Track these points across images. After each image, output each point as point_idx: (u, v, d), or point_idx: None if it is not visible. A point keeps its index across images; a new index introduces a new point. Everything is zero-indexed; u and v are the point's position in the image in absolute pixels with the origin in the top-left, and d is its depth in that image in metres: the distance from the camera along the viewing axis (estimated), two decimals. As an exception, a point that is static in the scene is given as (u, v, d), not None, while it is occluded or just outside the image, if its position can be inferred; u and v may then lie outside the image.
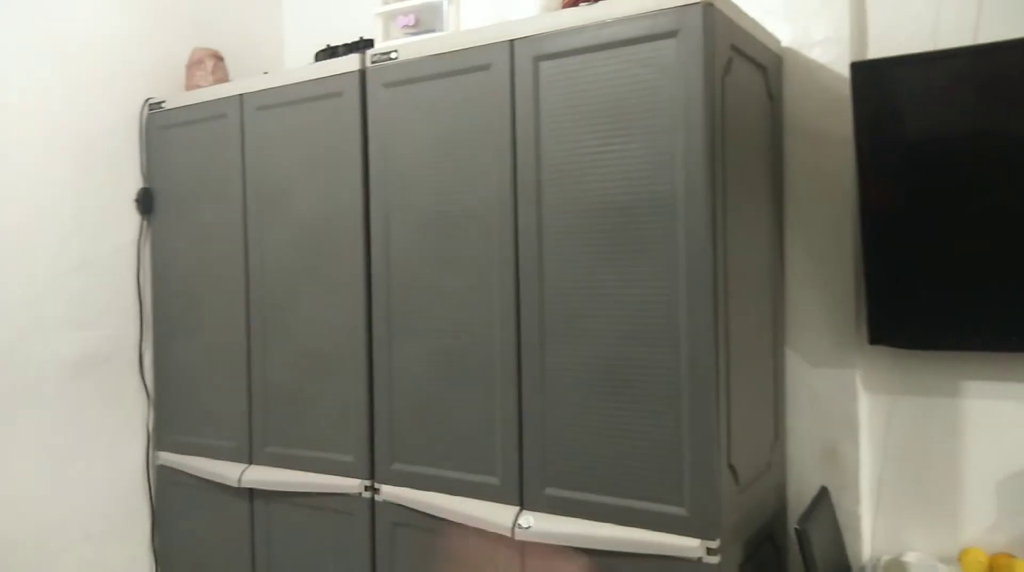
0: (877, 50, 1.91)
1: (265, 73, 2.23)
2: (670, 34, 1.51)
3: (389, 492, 1.92)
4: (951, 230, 1.72)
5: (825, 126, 1.92)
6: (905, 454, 1.90)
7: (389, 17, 1.95)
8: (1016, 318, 1.68)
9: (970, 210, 1.69)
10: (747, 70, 1.71)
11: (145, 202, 2.42)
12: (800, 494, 1.94)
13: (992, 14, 1.78)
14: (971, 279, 1.71)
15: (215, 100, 2.26)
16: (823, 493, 1.85)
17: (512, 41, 1.69)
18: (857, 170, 1.78)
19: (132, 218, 2.41)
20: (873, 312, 1.81)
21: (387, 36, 1.96)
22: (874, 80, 1.73)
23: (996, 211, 1.67)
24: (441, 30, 1.87)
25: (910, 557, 1.84)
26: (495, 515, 1.73)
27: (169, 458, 2.40)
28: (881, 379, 1.91)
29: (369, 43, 2.12)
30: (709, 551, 1.50)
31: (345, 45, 2.18)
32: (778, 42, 1.94)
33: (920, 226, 1.74)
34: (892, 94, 1.72)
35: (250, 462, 2.20)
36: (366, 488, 1.96)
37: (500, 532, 1.71)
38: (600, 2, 1.61)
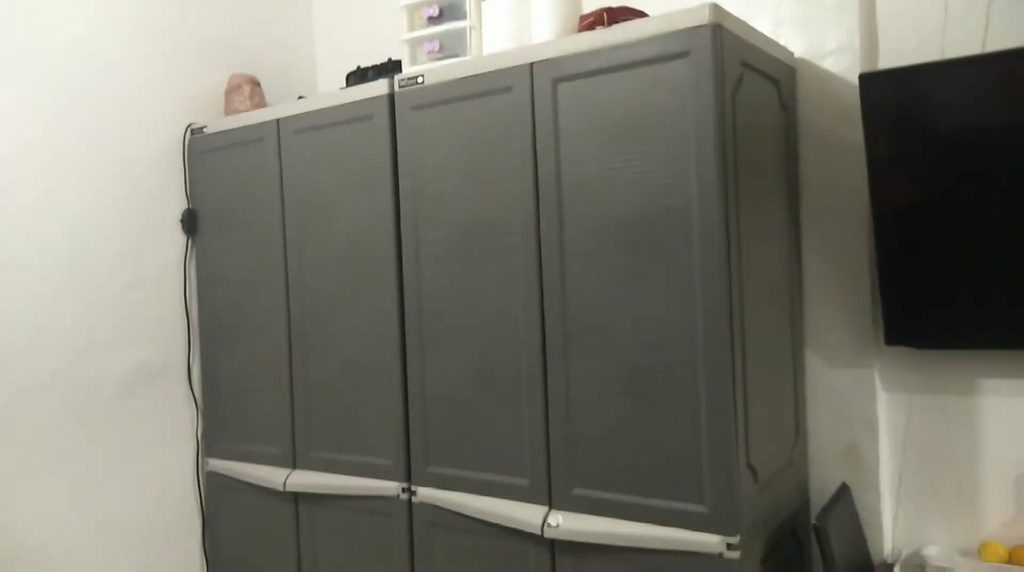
0: (888, 59, 1.97)
1: (300, 98, 2.35)
2: (681, 55, 1.59)
3: (425, 494, 2.02)
4: (963, 231, 1.76)
5: (839, 133, 1.98)
6: (924, 451, 1.95)
7: (415, 43, 2.04)
8: (1029, 316, 1.73)
9: (981, 212, 1.74)
10: (759, 83, 1.78)
11: (189, 222, 2.55)
12: (822, 491, 2.00)
13: (999, 23, 1.82)
14: (983, 279, 1.76)
15: (253, 125, 2.38)
16: (843, 490, 1.91)
17: (532, 64, 1.78)
18: (869, 175, 1.84)
19: (178, 238, 2.55)
20: (888, 313, 1.86)
21: (413, 61, 2.06)
22: (882, 89, 1.78)
23: (1006, 212, 1.71)
24: (465, 55, 1.95)
25: (930, 551, 1.89)
26: (525, 514, 1.82)
27: (218, 464, 2.53)
28: (899, 378, 1.96)
29: (397, 65, 2.23)
30: (729, 547, 1.57)
31: (374, 68, 2.29)
32: (791, 53, 2.00)
33: (932, 228, 1.79)
34: (899, 102, 1.78)
35: (294, 467, 2.32)
36: (403, 490, 2.06)
37: (530, 531, 1.80)
38: (614, 26, 1.69)
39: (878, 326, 1.93)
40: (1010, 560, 1.79)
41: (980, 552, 1.83)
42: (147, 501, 2.44)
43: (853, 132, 1.92)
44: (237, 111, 2.56)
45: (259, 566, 2.44)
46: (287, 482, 2.29)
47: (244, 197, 2.43)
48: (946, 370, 1.91)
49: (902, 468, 1.97)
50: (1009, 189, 1.70)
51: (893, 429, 1.97)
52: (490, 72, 1.85)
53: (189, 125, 2.57)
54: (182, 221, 2.55)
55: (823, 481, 2.01)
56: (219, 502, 2.55)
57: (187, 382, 2.55)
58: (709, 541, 1.59)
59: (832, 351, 2.00)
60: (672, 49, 1.59)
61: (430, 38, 2.02)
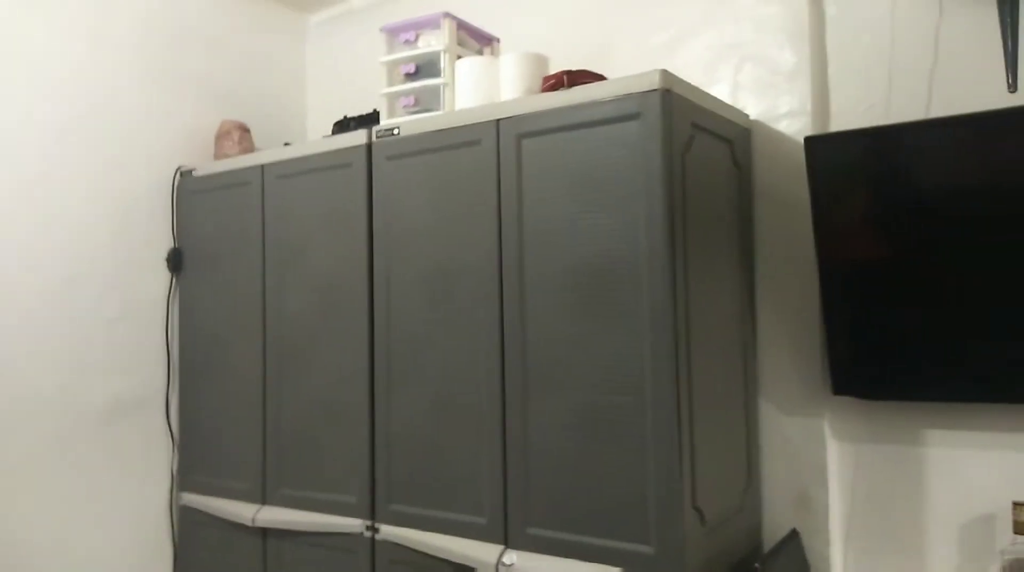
0: (839, 122, 2.08)
1: (286, 145, 2.46)
2: (633, 116, 1.70)
3: (388, 531, 2.07)
4: (904, 288, 1.85)
5: (792, 191, 2.08)
6: (873, 500, 2.01)
7: (393, 97, 2.16)
8: (970, 370, 1.80)
9: (922, 269, 1.83)
10: (710, 143, 1.89)
11: (175, 261, 2.65)
12: (775, 536, 2.05)
13: (942, 92, 1.94)
14: (924, 333, 1.84)
15: (240, 169, 2.49)
16: (792, 535, 1.96)
17: (498, 120, 1.89)
18: (814, 232, 1.93)
19: (163, 275, 2.64)
20: (834, 364, 1.94)
21: (391, 114, 2.17)
22: (826, 152, 1.89)
23: (945, 271, 1.80)
24: (438, 109, 2.07)
25: (879, 599, 1.94)
26: (481, 553, 1.87)
27: (191, 499, 2.58)
28: (847, 428, 2.03)
29: (374, 117, 2.34)
30: (673, 586, 1.63)
31: (356, 118, 2.41)
32: (746, 116, 2.12)
33: (875, 284, 1.88)
34: (843, 164, 1.88)
35: (263, 502, 2.37)
36: (367, 527, 2.11)
37: (485, 570, 1.85)
38: (575, 87, 1.80)
39: (827, 376, 2.01)
40: (953, 608, 1.84)
41: (925, 600, 1.88)
42: (122, 533, 2.48)
43: (805, 190, 2.02)
44: (226, 155, 2.67)
45: (226, 601, 2.47)
46: (256, 517, 2.34)
47: (228, 238, 2.52)
48: (892, 420, 1.98)
49: (851, 516, 2.03)
50: (948, 247, 1.80)
51: (843, 477, 2.03)
52: (460, 126, 1.96)
53: (179, 167, 2.67)
54: (168, 259, 2.65)
55: (776, 527, 2.07)
56: (191, 536, 2.59)
57: (164, 416, 2.62)
58: (653, 581, 1.64)
59: (784, 399, 2.08)
60: (625, 111, 1.70)
61: (407, 93, 2.14)
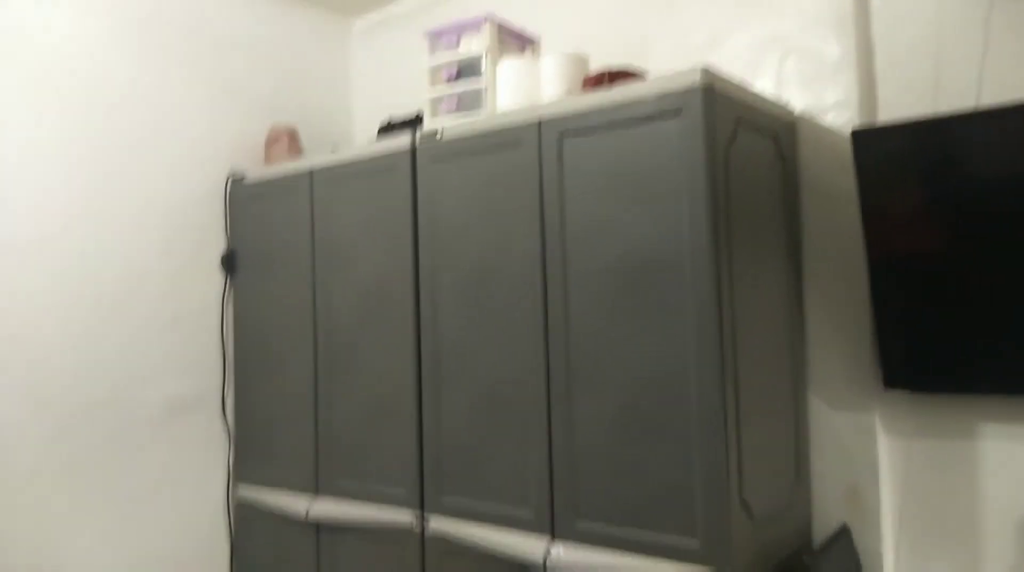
0: (887, 112, 2.05)
1: (332, 151, 2.51)
2: (675, 113, 1.70)
3: (437, 523, 2.11)
4: (956, 278, 1.82)
5: (839, 184, 2.06)
6: (925, 495, 1.98)
7: (436, 100, 2.20)
8: (1022, 362, 1.77)
9: (974, 259, 1.80)
10: (754, 139, 1.88)
11: (229, 263, 2.73)
12: (826, 532, 2.04)
13: (991, 81, 1.90)
14: (977, 324, 1.81)
15: (290, 174, 2.56)
16: (843, 531, 1.95)
17: (540, 121, 1.91)
18: (863, 224, 1.91)
19: (217, 278, 2.72)
20: (885, 357, 1.92)
21: (434, 116, 2.21)
22: (873, 144, 1.87)
23: (999, 260, 1.77)
24: (480, 111, 2.10)
25: (932, 595, 1.92)
26: (528, 546, 1.90)
27: (247, 494, 2.66)
28: (899, 422, 2.00)
29: (418, 120, 2.39)
30: (719, 580, 1.64)
31: (401, 122, 2.45)
32: (791, 110, 2.10)
33: (925, 275, 1.86)
34: (890, 156, 1.86)
35: (316, 494, 2.43)
36: (417, 517, 2.16)
37: (533, 560, 1.88)
38: (615, 86, 1.81)
39: (878, 370, 1.99)
40: (1009, 605, 1.81)
41: (980, 597, 1.85)
42: (180, 529, 2.58)
43: (852, 183, 2.00)
44: (276, 160, 2.74)
45: (283, 593, 2.55)
46: (310, 510, 2.41)
47: (279, 240, 2.59)
48: (945, 414, 1.95)
49: (903, 511, 2.01)
50: (1000, 239, 1.76)
51: (894, 472, 2.01)
52: (502, 128, 1.99)
53: (231, 172, 2.75)
54: (222, 261, 2.73)
55: (826, 522, 2.05)
56: (247, 530, 2.67)
57: (221, 414, 2.70)
58: (700, 574, 1.65)
59: (834, 395, 2.06)
60: (666, 108, 1.71)
61: (449, 96, 2.17)
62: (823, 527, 2.06)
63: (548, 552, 1.86)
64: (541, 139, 1.91)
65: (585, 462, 1.84)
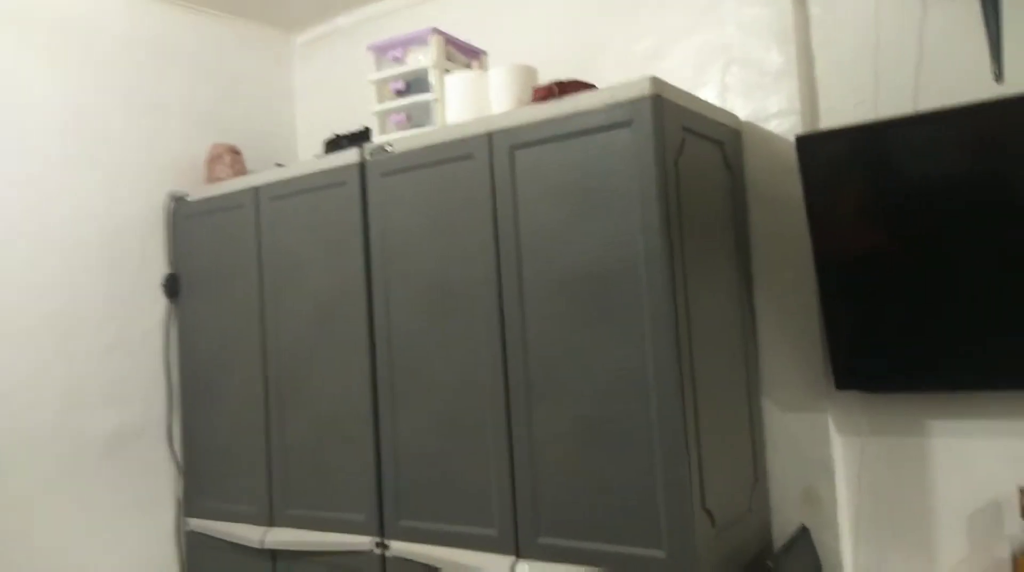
0: (829, 120, 2.09)
1: (278, 165, 2.47)
2: (625, 124, 1.71)
3: (398, 547, 2.07)
4: (901, 279, 1.87)
5: (785, 190, 2.09)
6: (879, 493, 2.02)
7: (384, 115, 2.17)
8: (971, 359, 1.81)
9: (917, 260, 1.84)
10: (702, 147, 1.90)
11: (171, 286, 2.64)
12: (785, 533, 2.05)
13: (929, 85, 1.95)
14: (923, 323, 1.85)
15: (233, 192, 2.49)
16: (802, 532, 1.97)
17: (491, 133, 1.90)
18: (810, 229, 1.94)
19: (159, 301, 2.64)
20: (836, 359, 1.95)
21: (383, 130, 2.18)
22: (817, 149, 1.91)
23: (942, 260, 1.82)
24: (429, 125, 2.08)
25: (891, 591, 1.95)
26: (493, 565, 1.87)
27: (198, 524, 2.57)
28: (851, 421, 2.04)
29: (366, 134, 2.35)
30: (687, 589, 1.63)
31: (348, 136, 2.41)
32: (736, 117, 2.13)
33: (872, 277, 1.89)
34: (834, 160, 1.90)
35: (271, 524, 2.36)
36: (377, 544, 2.11)
37: (499, 580, 1.85)
38: (565, 97, 1.81)
39: (829, 372, 2.02)
40: (965, 597, 1.84)
41: (937, 590, 1.89)
42: (130, 561, 2.47)
43: (797, 189, 2.03)
44: (219, 179, 2.67)
45: (239, 625, 2.46)
46: (264, 540, 2.33)
47: (224, 261, 2.52)
48: (896, 412, 1.99)
49: (859, 509, 2.04)
50: (943, 238, 1.81)
51: (849, 471, 2.04)
52: (452, 141, 1.97)
53: (172, 192, 2.67)
54: (164, 285, 2.64)
55: (785, 524, 2.07)
56: (200, 562, 2.58)
57: (168, 443, 2.61)
58: (667, 585, 1.65)
59: (787, 397, 2.09)
60: (616, 119, 1.71)
61: (398, 110, 2.14)
62: (782, 529, 2.08)
63: (513, 570, 1.83)
64: (492, 151, 1.90)
65: (547, 477, 1.82)
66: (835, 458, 2.03)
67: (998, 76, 1.83)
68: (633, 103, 1.69)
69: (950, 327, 1.83)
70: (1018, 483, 1.81)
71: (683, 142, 1.79)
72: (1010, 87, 1.79)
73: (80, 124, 2.47)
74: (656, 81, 1.69)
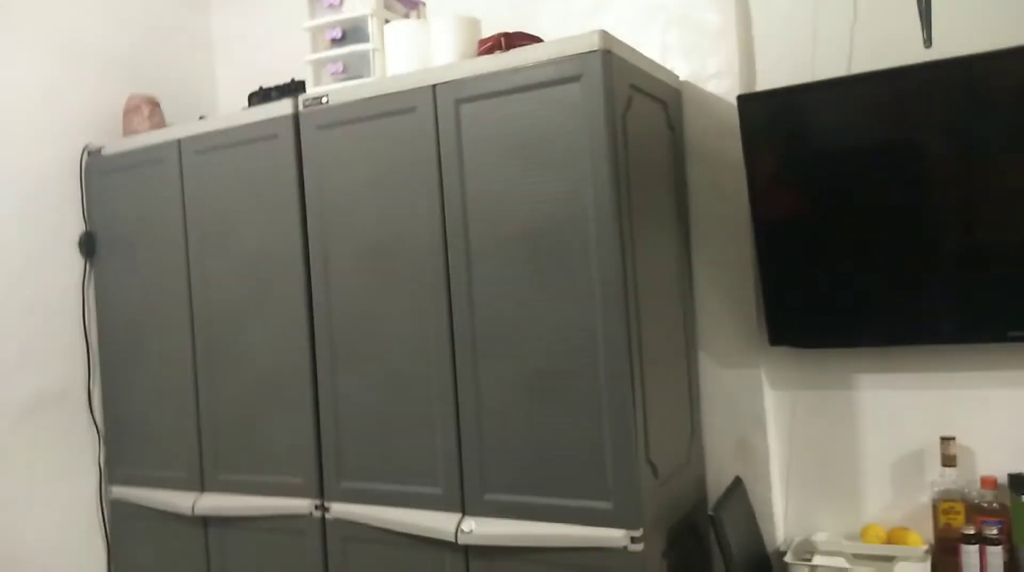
0: (766, 80, 2.12)
1: (201, 118, 2.35)
2: (574, 78, 1.69)
3: (339, 509, 2.03)
4: (834, 239, 1.93)
5: (722, 151, 2.12)
6: (810, 444, 2.10)
7: (319, 64, 2.08)
8: (894, 314, 1.90)
9: (849, 221, 1.91)
10: (647, 105, 1.90)
11: (88, 245, 2.50)
12: (718, 486, 2.12)
13: (863, 47, 2.00)
14: (854, 282, 1.92)
15: (154, 145, 2.36)
16: (737, 483, 2.03)
17: (434, 86, 1.85)
18: (748, 189, 1.98)
19: (76, 261, 2.49)
20: (770, 316, 2.01)
21: (317, 82, 2.09)
22: (758, 109, 1.94)
23: (872, 222, 1.88)
24: (368, 76, 2.01)
25: (819, 537, 2.04)
26: (439, 523, 1.86)
27: (122, 492, 2.46)
28: (784, 376, 2.11)
29: (300, 85, 2.25)
30: (633, 540, 1.66)
31: (277, 88, 2.31)
32: (676, 77, 2.14)
33: (806, 237, 1.95)
34: (774, 121, 1.94)
35: (202, 490, 2.29)
36: (316, 507, 2.07)
37: (444, 538, 1.85)
38: (512, 50, 1.77)
39: (763, 328, 2.07)
40: (888, 540, 1.95)
41: (863, 535, 1.98)
42: (50, 532, 2.35)
43: (734, 148, 2.06)
44: (136, 132, 2.52)
45: (168, 594, 2.39)
46: (195, 506, 2.26)
47: (145, 219, 2.40)
48: (826, 367, 2.07)
49: (790, 460, 2.12)
50: (876, 200, 1.88)
51: (780, 424, 2.12)
52: (394, 93, 1.91)
53: (86, 146, 2.51)
54: (80, 244, 2.49)
55: (719, 477, 2.14)
56: (125, 530, 2.48)
57: (88, 408, 2.48)
58: (614, 536, 1.67)
59: (722, 353, 2.14)
60: (566, 73, 1.69)
61: (334, 59, 2.06)
62: (716, 480, 2.14)
63: (460, 527, 1.83)
64: (437, 104, 1.85)
65: (493, 434, 1.81)
66: (767, 411, 2.10)
67: (927, 42, 1.89)
68: (582, 57, 1.67)
69: (877, 285, 1.90)
70: (940, 433, 1.91)
71: (630, 99, 1.78)
72: (936, 52, 1.85)
73: (-16, 69, 2.29)
74: (606, 35, 1.67)
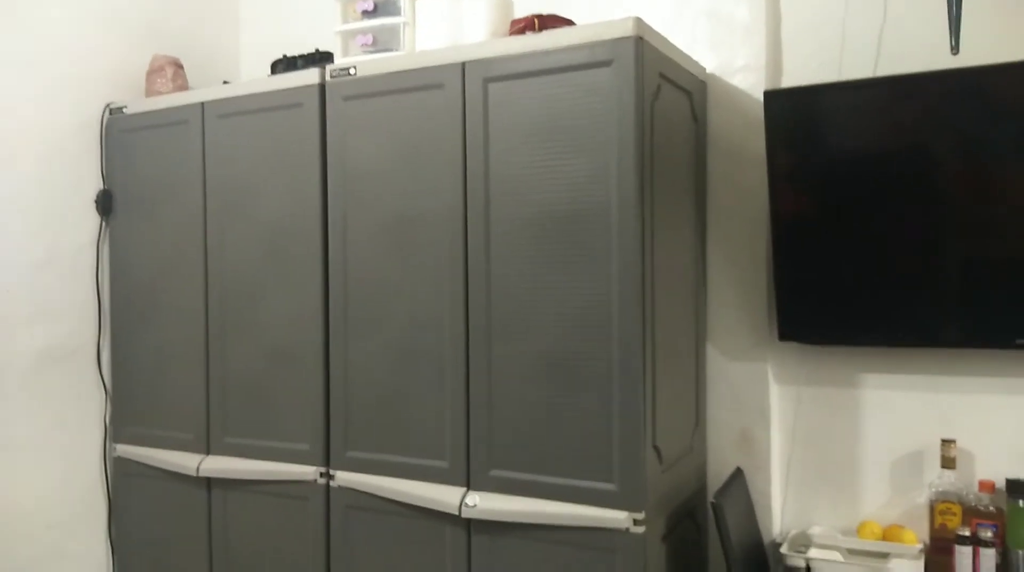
0: (791, 77, 2.13)
1: (225, 83, 2.35)
2: (605, 63, 1.70)
3: (343, 477, 2.06)
4: (849, 240, 1.95)
5: (744, 145, 2.13)
6: (811, 439, 2.13)
7: (348, 36, 2.09)
8: (904, 316, 1.92)
9: (866, 222, 1.93)
10: (674, 95, 1.91)
11: (105, 203, 2.50)
12: (719, 475, 2.14)
13: (890, 50, 2.02)
14: (864, 283, 1.94)
15: (177, 107, 2.36)
16: (737, 473, 2.06)
17: (464, 63, 1.86)
18: (769, 184, 2.00)
19: (92, 218, 2.50)
20: (781, 312, 2.03)
21: (346, 52, 2.10)
22: (784, 106, 1.95)
23: (888, 224, 1.90)
24: (398, 50, 2.02)
25: (815, 530, 2.07)
26: (443, 495, 1.89)
27: (126, 450, 2.49)
28: (790, 372, 2.13)
29: (327, 56, 2.26)
30: (635, 522, 1.69)
31: (303, 57, 2.31)
32: (703, 69, 2.15)
33: (822, 236, 1.97)
34: (799, 118, 1.95)
35: (208, 452, 2.31)
36: (321, 474, 2.10)
37: (447, 511, 1.87)
38: (544, 31, 1.78)
39: (772, 324, 2.10)
40: (884, 537, 1.98)
41: (859, 531, 2.01)
42: (53, 486, 2.38)
43: (757, 143, 2.08)
44: (159, 93, 2.53)
45: (168, 553, 2.41)
46: (200, 467, 2.28)
47: (164, 180, 2.41)
48: (831, 365, 2.10)
49: (791, 454, 2.14)
50: (892, 203, 1.89)
51: (784, 418, 2.14)
52: (423, 68, 1.91)
53: (108, 104, 2.52)
54: (97, 202, 2.50)
55: (720, 466, 2.16)
56: (127, 488, 2.51)
57: (96, 365, 2.50)
58: (617, 517, 1.70)
59: (731, 345, 2.16)
60: (597, 57, 1.70)
61: (364, 31, 2.07)
62: (716, 469, 2.17)
63: (464, 501, 1.85)
64: (465, 82, 1.86)
65: (503, 410, 1.83)
66: (772, 405, 2.12)
67: (954, 48, 1.90)
68: (615, 42, 1.68)
69: (888, 286, 1.92)
70: (941, 435, 1.94)
71: (659, 88, 1.80)
72: (963, 60, 1.86)
73: (14, 24, 2.29)
74: (639, 22, 1.68)
